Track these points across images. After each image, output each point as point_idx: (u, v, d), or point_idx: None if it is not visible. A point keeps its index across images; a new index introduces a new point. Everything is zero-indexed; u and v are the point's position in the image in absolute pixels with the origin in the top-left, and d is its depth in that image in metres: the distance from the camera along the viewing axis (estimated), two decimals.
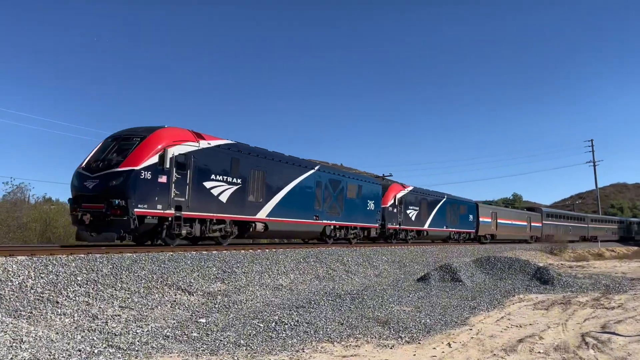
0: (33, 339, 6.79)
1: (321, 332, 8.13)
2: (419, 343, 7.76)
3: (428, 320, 9.51)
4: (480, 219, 38.23)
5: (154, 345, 6.88)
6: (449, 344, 7.72)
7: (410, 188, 29.65)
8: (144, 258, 11.58)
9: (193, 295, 10.63)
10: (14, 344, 6.47)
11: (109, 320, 8.17)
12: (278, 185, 18.70)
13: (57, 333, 7.21)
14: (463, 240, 36.47)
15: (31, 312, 7.80)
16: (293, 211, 19.34)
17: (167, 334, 7.58)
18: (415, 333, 8.39)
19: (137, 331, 7.66)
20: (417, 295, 13.11)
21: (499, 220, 41.12)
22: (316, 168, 21.59)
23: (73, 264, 9.91)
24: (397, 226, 27.73)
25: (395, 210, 27.50)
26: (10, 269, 8.84)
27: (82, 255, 10.75)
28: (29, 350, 6.25)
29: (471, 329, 8.98)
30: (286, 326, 8.43)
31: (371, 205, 25.28)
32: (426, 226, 30.92)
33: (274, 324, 8.57)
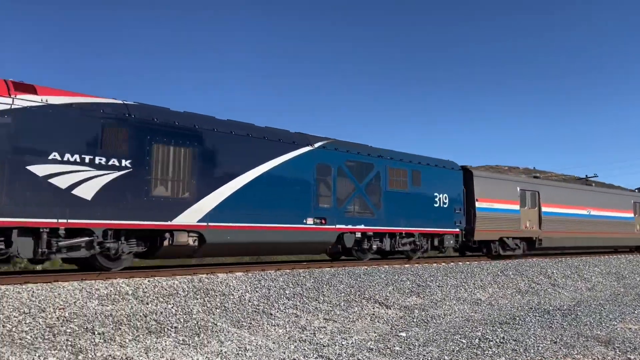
0: (255, 347, 7.54)
1: (532, 351, 7.51)
2: None
3: None
4: (479, 205, 18.25)
5: (359, 358, 7.09)
6: None
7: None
8: (341, 272, 12.13)
9: (390, 309, 10.76)
10: (240, 352, 7.25)
11: (316, 332, 8.69)
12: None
13: (274, 342, 7.89)
14: (422, 252, 16.62)
15: (250, 323, 8.70)
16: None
17: (371, 346, 7.75)
18: None
19: (343, 343, 7.99)
20: None
21: (545, 209, 20.63)
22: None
23: (281, 279, 10.83)
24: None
25: None
26: (231, 284, 10.02)
27: (288, 271, 11.71)
28: (253, 359, 6.94)
29: None
30: (491, 343, 7.99)
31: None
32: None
33: (477, 340, 8.19)
